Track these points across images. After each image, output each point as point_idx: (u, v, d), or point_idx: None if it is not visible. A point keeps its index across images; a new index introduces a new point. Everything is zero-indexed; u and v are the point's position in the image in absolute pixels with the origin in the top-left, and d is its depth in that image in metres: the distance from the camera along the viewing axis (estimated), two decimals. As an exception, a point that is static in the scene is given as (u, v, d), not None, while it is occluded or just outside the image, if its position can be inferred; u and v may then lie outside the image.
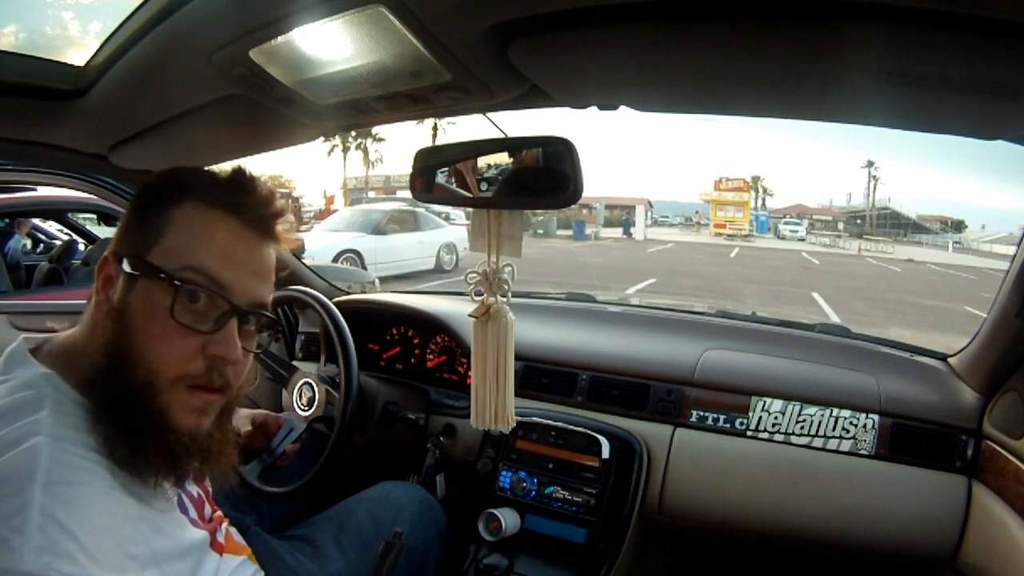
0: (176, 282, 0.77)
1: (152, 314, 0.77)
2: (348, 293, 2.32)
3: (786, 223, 48.30)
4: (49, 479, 0.67)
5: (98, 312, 0.80)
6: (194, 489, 0.94)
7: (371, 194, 38.28)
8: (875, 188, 56.53)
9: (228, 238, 0.82)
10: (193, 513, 0.89)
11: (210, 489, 1.02)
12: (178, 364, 0.77)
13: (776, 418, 1.57)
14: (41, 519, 0.64)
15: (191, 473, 0.84)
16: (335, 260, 10.33)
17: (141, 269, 0.79)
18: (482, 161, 1.02)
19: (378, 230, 11.94)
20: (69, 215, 5.80)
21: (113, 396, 0.76)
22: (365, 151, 42.62)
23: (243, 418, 1.56)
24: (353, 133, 35.12)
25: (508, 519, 1.57)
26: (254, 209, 0.85)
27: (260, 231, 0.86)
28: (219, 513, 1.01)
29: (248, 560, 0.99)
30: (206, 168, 0.91)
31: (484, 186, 1.02)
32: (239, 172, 0.88)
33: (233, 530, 1.04)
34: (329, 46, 0.83)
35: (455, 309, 2.03)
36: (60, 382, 0.77)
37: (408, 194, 1.19)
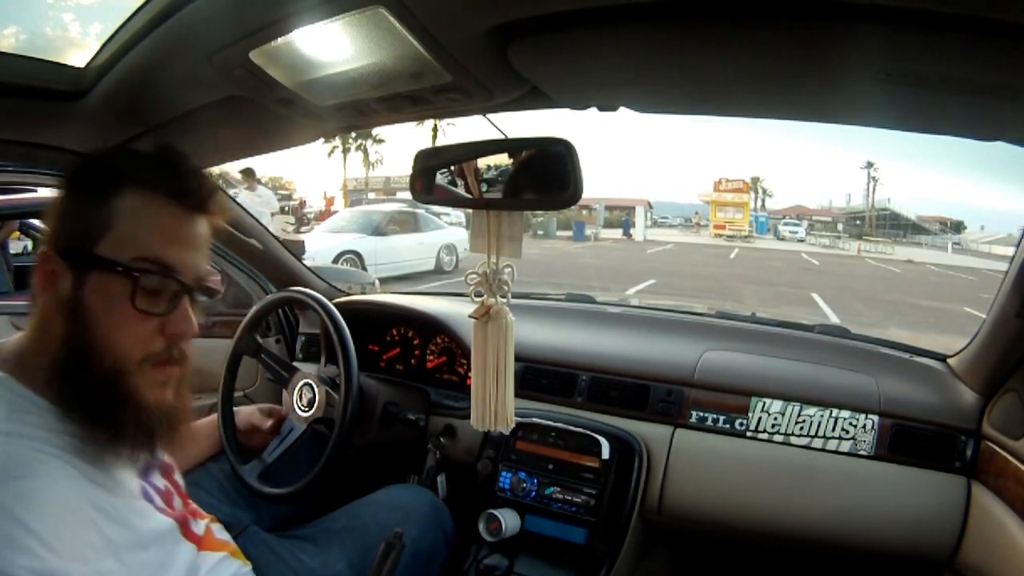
0: (135, 274, 0.80)
1: (110, 305, 0.79)
2: (348, 294, 2.32)
3: (786, 224, 48.29)
4: (3, 476, 0.68)
5: (47, 310, 0.81)
6: (160, 482, 0.94)
7: (371, 195, 38.24)
8: (874, 189, 56.62)
9: (172, 223, 0.85)
10: (160, 503, 0.90)
11: (181, 483, 1.03)
12: (142, 347, 0.80)
13: (776, 419, 1.57)
14: None
15: (162, 443, 0.87)
16: (335, 261, 10.32)
17: (92, 263, 0.80)
18: (482, 162, 1.02)
19: (378, 231, 11.94)
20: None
21: (83, 387, 0.77)
22: (365, 152, 42.65)
23: (252, 411, 1.57)
24: (353, 134, 35.11)
25: (508, 520, 1.56)
26: (193, 192, 0.87)
27: (199, 211, 0.88)
28: (195, 506, 1.02)
29: (231, 556, 0.99)
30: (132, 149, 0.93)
31: (484, 187, 1.02)
32: (169, 152, 0.90)
33: (217, 527, 1.04)
34: (329, 47, 0.83)
35: (455, 310, 2.03)
36: (15, 384, 0.78)
37: (408, 195, 1.19)
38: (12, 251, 5.59)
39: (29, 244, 6.07)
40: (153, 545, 0.83)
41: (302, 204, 26.69)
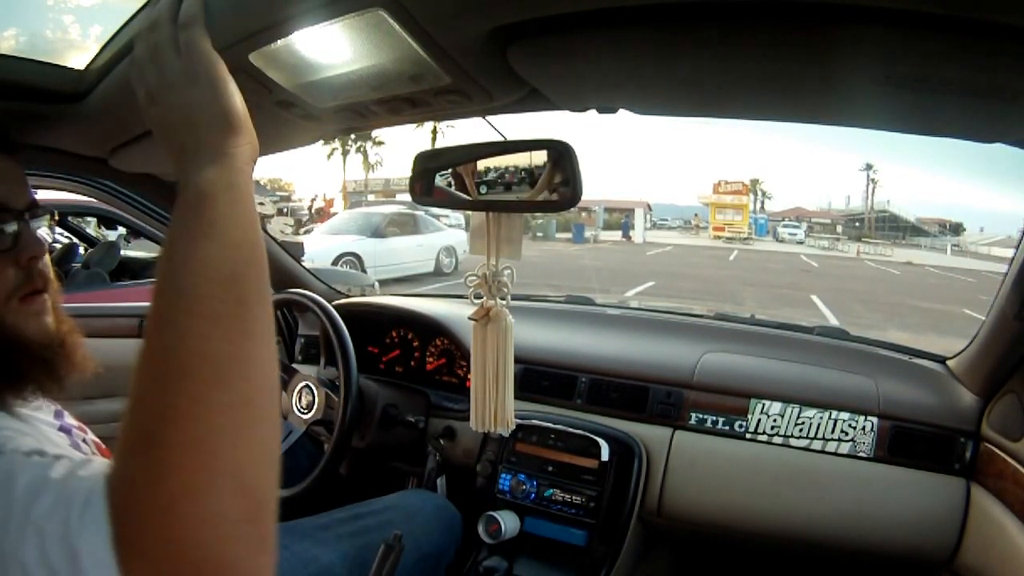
0: None
1: None
2: (348, 296, 2.32)
3: (785, 226, 48.24)
4: None
5: None
6: (80, 436, 0.91)
7: (371, 197, 38.24)
8: (874, 191, 56.61)
9: None
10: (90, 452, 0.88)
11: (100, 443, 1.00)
12: (2, 286, 0.77)
13: (775, 420, 1.57)
14: None
15: (63, 371, 0.82)
16: (335, 263, 10.35)
17: None
18: (481, 164, 1.02)
19: (378, 233, 11.95)
20: (69, 218, 5.79)
21: None
22: (365, 154, 42.62)
23: None
24: (352, 136, 35.14)
25: (508, 521, 1.56)
26: None
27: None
28: None
29: None
30: None
31: (483, 189, 1.02)
32: None
33: None
34: (328, 49, 0.83)
35: (454, 312, 2.03)
36: None
37: (408, 197, 1.19)
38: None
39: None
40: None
41: (311, 208, 26.41)
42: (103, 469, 0.55)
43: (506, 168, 1.00)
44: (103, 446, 0.90)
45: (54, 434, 0.79)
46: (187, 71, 0.63)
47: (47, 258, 0.84)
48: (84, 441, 0.85)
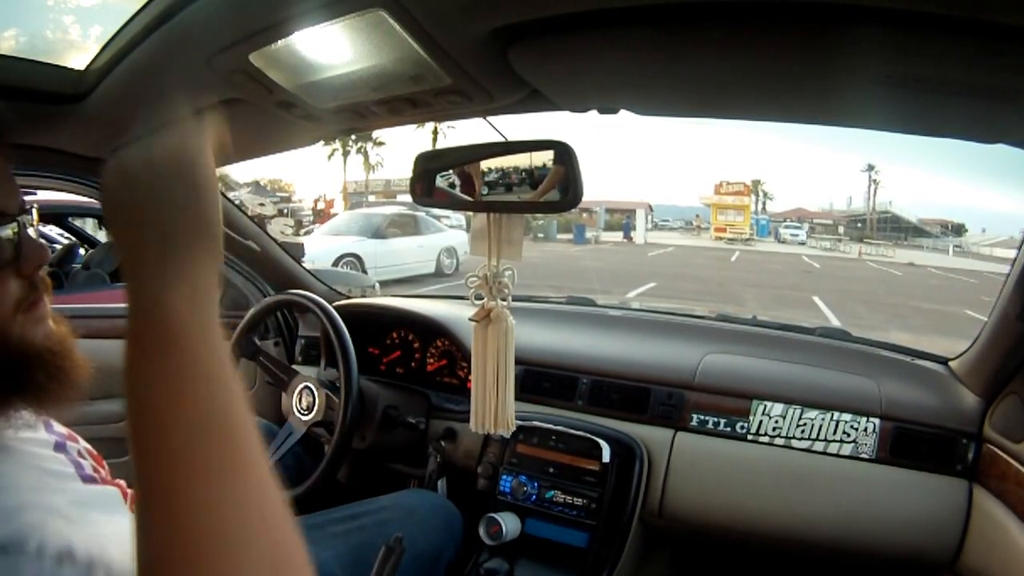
0: None
1: None
2: (348, 297, 2.31)
3: (787, 227, 48.13)
4: None
5: None
6: (75, 448, 0.89)
7: (371, 198, 38.25)
8: (875, 192, 56.51)
9: None
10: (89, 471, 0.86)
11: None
12: (8, 301, 0.73)
13: (777, 422, 1.57)
14: None
15: (73, 375, 0.78)
16: (335, 264, 10.35)
17: None
18: (482, 165, 1.02)
19: (378, 234, 11.95)
20: (69, 219, 5.80)
21: None
22: (365, 155, 42.61)
23: None
24: (353, 137, 35.15)
25: (509, 523, 1.56)
26: None
27: None
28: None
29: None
30: None
31: (484, 190, 1.02)
32: None
33: None
34: (329, 50, 0.83)
35: (455, 313, 2.02)
36: None
37: (408, 198, 1.19)
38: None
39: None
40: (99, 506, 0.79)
41: (315, 209, 26.27)
42: None
43: (507, 169, 1.00)
44: (94, 452, 0.89)
45: (52, 459, 0.76)
46: (177, 164, 0.57)
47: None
48: (80, 454, 0.84)
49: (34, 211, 0.80)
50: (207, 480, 0.48)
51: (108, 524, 0.68)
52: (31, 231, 0.76)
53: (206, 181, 0.57)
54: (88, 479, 0.78)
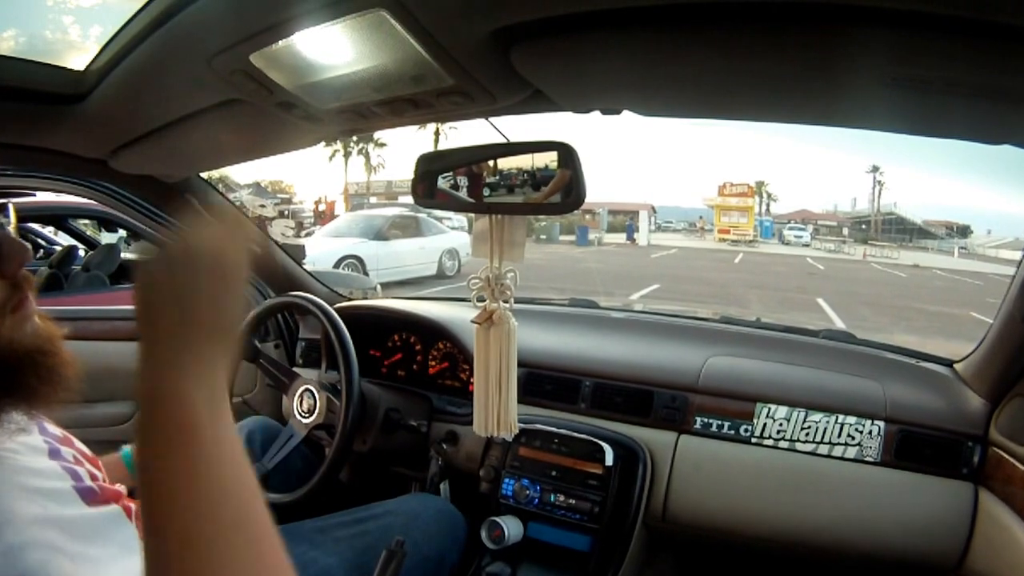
0: None
1: None
2: (349, 299, 2.31)
3: (791, 228, 48.02)
4: None
5: None
6: (69, 452, 0.88)
7: (373, 200, 38.25)
8: (880, 193, 56.39)
9: None
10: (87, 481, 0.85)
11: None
12: None
13: (781, 425, 1.56)
14: None
15: (61, 374, 0.77)
16: (336, 266, 10.34)
17: None
18: (484, 166, 1.01)
19: (380, 236, 11.94)
20: (69, 221, 5.81)
21: None
22: (367, 156, 42.66)
23: None
24: (355, 138, 35.16)
25: (511, 527, 1.55)
26: None
27: None
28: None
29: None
30: None
31: (486, 191, 1.02)
32: None
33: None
34: (330, 50, 0.83)
35: (457, 315, 2.02)
36: None
37: (410, 199, 1.18)
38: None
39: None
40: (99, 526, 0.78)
41: (316, 211, 26.23)
42: None
43: (509, 170, 1.00)
44: (90, 455, 0.88)
45: (48, 473, 0.75)
46: (215, 264, 0.58)
47: None
48: (76, 459, 0.82)
49: (11, 209, 0.79)
50: (210, 559, 0.49)
51: (108, 555, 0.68)
52: (10, 229, 0.75)
53: (237, 282, 0.59)
54: (86, 492, 0.77)
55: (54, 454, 0.79)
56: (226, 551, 0.50)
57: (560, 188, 0.96)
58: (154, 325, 0.55)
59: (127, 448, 1.15)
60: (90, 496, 0.76)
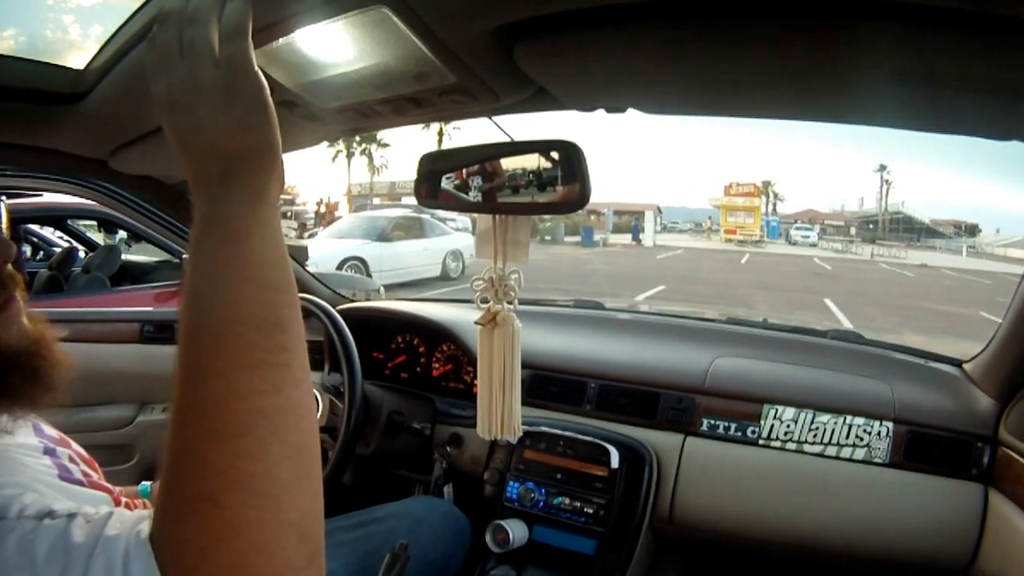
0: None
1: None
2: (352, 301, 2.30)
3: (797, 228, 48.01)
4: None
5: None
6: (65, 453, 0.87)
7: (376, 200, 38.33)
8: (887, 192, 56.35)
9: None
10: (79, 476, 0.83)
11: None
12: None
13: (788, 426, 1.55)
14: None
15: (52, 375, 0.76)
16: (339, 267, 10.35)
17: None
18: (488, 166, 1.00)
19: (383, 237, 11.95)
20: (69, 222, 5.83)
21: None
22: (370, 157, 42.82)
23: None
24: (357, 138, 35.29)
25: (516, 530, 1.55)
26: None
27: None
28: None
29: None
30: None
31: (490, 191, 1.01)
32: None
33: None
34: (332, 48, 0.82)
35: (461, 317, 2.01)
36: None
37: (413, 201, 1.18)
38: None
39: (28, 250, 6.10)
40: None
41: (318, 212, 26.25)
42: (130, 525, 0.53)
43: (513, 170, 0.99)
44: (86, 456, 0.87)
45: (41, 465, 0.74)
46: (229, 89, 0.56)
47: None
48: (71, 459, 0.81)
49: (2, 207, 0.77)
50: (249, 368, 0.51)
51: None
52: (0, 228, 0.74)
53: (269, 112, 0.59)
54: (75, 482, 0.76)
55: (48, 452, 0.78)
56: (256, 347, 0.52)
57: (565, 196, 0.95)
58: (193, 159, 0.56)
59: (146, 484, 1.15)
60: (77, 484, 0.76)
